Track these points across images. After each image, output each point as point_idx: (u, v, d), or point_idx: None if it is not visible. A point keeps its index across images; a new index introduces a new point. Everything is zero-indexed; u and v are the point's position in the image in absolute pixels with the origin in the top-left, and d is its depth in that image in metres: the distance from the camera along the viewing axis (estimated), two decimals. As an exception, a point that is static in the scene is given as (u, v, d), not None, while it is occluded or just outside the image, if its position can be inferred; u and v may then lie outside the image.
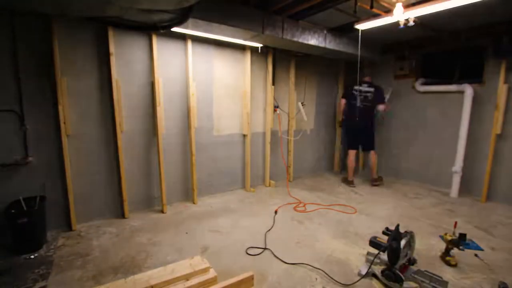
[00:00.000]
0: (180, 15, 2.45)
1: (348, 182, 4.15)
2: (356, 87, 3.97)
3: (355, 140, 4.20)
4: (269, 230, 2.65)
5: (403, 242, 1.76)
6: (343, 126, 4.32)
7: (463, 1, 2.27)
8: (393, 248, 1.70)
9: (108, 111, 2.74)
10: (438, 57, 4.05)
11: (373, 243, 1.87)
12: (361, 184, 4.25)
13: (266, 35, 2.95)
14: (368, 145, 4.18)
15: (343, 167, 5.24)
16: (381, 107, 3.97)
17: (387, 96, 4.24)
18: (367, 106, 3.97)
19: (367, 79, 4.07)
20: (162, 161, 3.04)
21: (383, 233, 1.98)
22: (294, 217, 2.98)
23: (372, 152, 4.14)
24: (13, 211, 2.21)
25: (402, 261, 1.79)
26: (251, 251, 2.28)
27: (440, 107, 3.97)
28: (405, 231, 1.90)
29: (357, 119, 3.90)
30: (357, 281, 1.88)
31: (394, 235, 1.78)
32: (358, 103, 3.95)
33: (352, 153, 4.16)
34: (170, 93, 3.10)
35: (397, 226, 1.87)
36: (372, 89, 3.97)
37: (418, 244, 2.38)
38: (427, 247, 2.37)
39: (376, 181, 4.15)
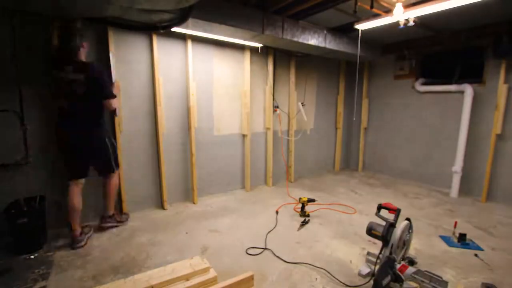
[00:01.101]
0: (180, 15, 2.45)
1: (74, 238, 2.32)
2: (62, 74, 2.19)
3: (81, 161, 2.37)
4: (271, 230, 2.65)
5: (401, 227, 1.75)
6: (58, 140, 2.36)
7: (463, 1, 2.27)
8: (390, 259, 1.70)
9: (108, 111, 2.73)
10: (438, 57, 4.05)
11: (372, 234, 1.86)
12: (360, 184, 4.25)
13: (266, 35, 2.95)
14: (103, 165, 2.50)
15: (344, 167, 5.26)
16: (109, 103, 2.35)
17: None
18: (80, 104, 2.26)
19: (78, 56, 2.25)
20: (163, 161, 3.05)
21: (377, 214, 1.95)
22: (294, 217, 2.98)
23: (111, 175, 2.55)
24: (13, 211, 2.20)
25: (402, 252, 1.79)
26: (251, 251, 2.28)
27: (440, 107, 3.97)
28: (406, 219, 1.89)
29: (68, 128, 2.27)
30: (360, 282, 1.88)
31: (391, 223, 1.77)
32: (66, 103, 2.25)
33: (76, 188, 2.36)
34: (170, 93, 3.10)
35: (398, 210, 1.85)
36: (81, 75, 2.19)
37: (418, 244, 2.38)
38: (427, 247, 2.37)
39: (109, 221, 2.60)
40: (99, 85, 2.27)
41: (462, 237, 2.42)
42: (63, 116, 2.27)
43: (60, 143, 2.32)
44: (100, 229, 2.58)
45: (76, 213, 2.34)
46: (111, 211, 2.62)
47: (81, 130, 2.28)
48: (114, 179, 2.57)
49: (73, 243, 2.30)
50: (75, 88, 2.20)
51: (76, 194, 2.35)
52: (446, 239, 2.49)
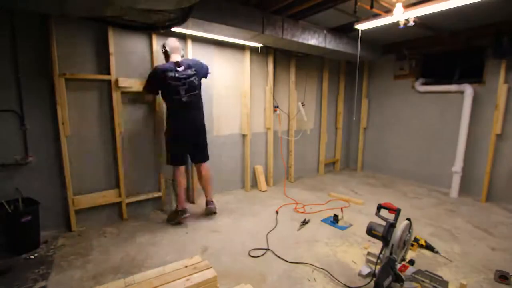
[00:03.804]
0: (180, 15, 2.45)
1: (178, 212, 2.75)
2: (171, 74, 2.58)
3: (184, 151, 2.82)
4: (271, 230, 2.65)
5: (401, 227, 1.75)
6: (167, 133, 2.79)
7: (463, 1, 2.27)
8: (390, 259, 1.69)
9: (108, 111, 2.74)
10: (438, 57, 4.05)
11: (372, 234, 1.85)
12: (360, 184, 4.25)
13: (266, 35, 2.95)
14: (199, 154, 2.88)
15: (344, 167, 5.26)
16: None
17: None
18: (195, 96, 2.72)
19: (176, 56, 2.68)
20: (162, 161, 3.04)
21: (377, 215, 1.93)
22: (294, 217, 2.98)
23: (204, 164, 2.91)
24: (10, 211, 2.21)
25: (402, 252, 1.79)
26: (252, 251, 2.28)
27: (440, 107, 3.97)
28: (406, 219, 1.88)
29: (186, 120, 2.70)
30: (360, 283, 1.88)
31: (391, 223, 1.77)
32: (184, 97, 2.63)
33: (181, 170, 2.83)
34: (170, 93, 3.09)
35: (398, 210, 1.84)
36: (193, 71, 2.68)
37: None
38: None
39: (211, 205, 2.91)
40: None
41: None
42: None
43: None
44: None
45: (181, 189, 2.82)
46: (210, 198, 2.96)
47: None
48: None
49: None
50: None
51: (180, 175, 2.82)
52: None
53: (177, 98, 2.63)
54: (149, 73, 2.69)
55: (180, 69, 2.62)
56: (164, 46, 2.71)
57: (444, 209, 3.24)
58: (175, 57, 2.68)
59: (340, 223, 2.80)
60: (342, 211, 2.95)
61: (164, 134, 2.88)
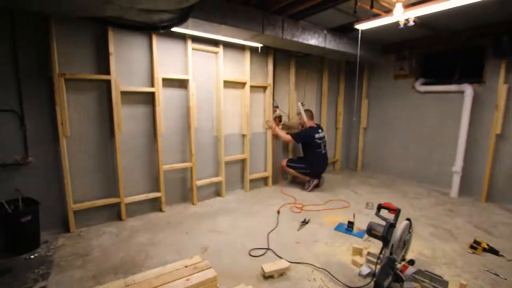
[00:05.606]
0: (180, 15, 2.45)
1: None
2: (317, 135, 3.78)
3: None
4: (272, 230, 2.65)
5: (401, 227, 1.75)
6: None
7: (463, 1, 2.27)
8: (390, 259, 1.69)
9: (107, 111, 2.74)
10: (438, 57, 4.05)
11: (372, 234, 1.85)
12: (360, 184, 4.25)
13: (266, 35, 2.95)
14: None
15: (344, 166, 5.26)
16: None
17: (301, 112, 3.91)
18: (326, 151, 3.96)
19: (313, 123, 3.92)
20: (161, 161, 3.04)
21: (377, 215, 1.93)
22: (294, 217, 2.98)
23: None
24: (10, 211, 2.21)
25: (402, 252, 1.79)
26: (252, 251, 2.28)
27: (440, 107, 3.97)
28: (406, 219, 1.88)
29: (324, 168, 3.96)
30: (360, 283, 1.88)
31: (391, 223, 1.77)
32: (323, 150, 3.88)
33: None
34: (169, 93, 3.09)
35: (398, 210, 1.84)
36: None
37: (418, 245, 2.38)
38: (427, 247, 2.37)
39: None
40: None
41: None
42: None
43: None
44: None
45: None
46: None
47: None
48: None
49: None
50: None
51: None
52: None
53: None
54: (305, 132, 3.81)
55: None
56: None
57: (444, 209, 3.24)
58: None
59: (354, 230, 2.65)
60: (354, 217, 2.73)
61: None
